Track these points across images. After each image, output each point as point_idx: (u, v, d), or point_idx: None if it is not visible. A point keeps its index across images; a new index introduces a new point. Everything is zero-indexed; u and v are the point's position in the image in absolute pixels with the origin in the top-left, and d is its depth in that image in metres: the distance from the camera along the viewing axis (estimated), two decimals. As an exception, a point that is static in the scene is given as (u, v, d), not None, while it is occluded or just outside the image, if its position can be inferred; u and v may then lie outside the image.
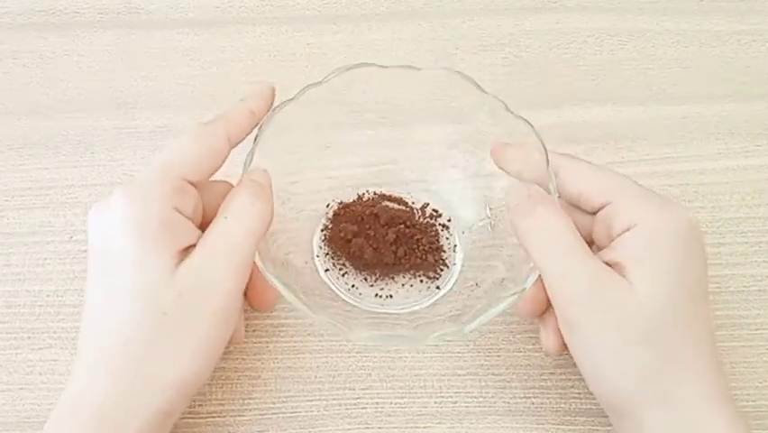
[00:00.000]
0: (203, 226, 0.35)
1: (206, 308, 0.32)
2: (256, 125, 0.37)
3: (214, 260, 0.33)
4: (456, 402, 0.40)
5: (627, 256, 0.33)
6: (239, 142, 0.36)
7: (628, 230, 0.33)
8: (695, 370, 0.32)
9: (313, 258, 0.42)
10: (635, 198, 0.34)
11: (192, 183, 0.34)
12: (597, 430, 0.39)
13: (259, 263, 0.34)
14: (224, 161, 0.35)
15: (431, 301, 0.41)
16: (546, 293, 0.34)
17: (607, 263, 0.33)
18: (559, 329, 0.34)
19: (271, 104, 0.37)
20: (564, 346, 0.35)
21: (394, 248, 0.42)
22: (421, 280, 0.42)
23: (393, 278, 0.42)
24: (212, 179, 0.36)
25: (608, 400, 0.34)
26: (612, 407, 0.34)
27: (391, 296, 0.42)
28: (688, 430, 0.32)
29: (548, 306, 0.35)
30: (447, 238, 0.43)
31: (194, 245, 0.33)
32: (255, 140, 0.37)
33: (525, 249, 0.34)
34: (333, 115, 0.42)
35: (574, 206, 0.37)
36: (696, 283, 0.33)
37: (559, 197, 0.36)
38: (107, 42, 0.51)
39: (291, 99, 0.38)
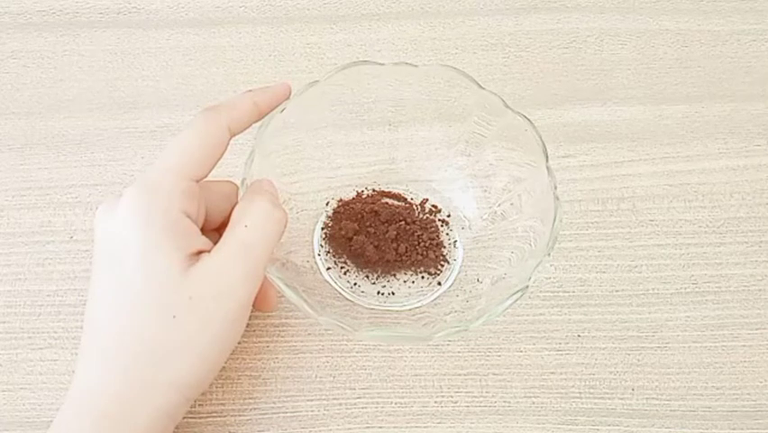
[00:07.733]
0: (205, 227, 0.35)
1: (218, 312, 0.32)
2: (259, 120, 0.36)
3: (231, 266, 0.32)
4: (457, 402, 0.40)
5: None
6: (238, 134, 0.36)
7: None
8: None
9: (314, 256, 0.42)
10: None
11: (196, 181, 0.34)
12: (598, 430, 0.39)
13: None
14: (224, 152, 0.35)
15: (432, 297, 0.41)
16: None
17: None
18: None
19: (282, 101, 0.37)
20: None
21: (395, 245, 0.42)
22: (422, 277, 0.42)
23: (395, 275, 0.42)
24: (210, 178, 0.36)
25: None
26: None
27: (393, 293, 0.42)
28: None
29: None
30: (447, 234, 0.43)
31: (202, 251, 0.33)
32: (255, 140, 0.36)
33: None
34: (333, 115, 0.42)
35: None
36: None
37: (556, 187, 0.37)
38: (107, 42, 0.51)
39: (291, 99, 0.38)
